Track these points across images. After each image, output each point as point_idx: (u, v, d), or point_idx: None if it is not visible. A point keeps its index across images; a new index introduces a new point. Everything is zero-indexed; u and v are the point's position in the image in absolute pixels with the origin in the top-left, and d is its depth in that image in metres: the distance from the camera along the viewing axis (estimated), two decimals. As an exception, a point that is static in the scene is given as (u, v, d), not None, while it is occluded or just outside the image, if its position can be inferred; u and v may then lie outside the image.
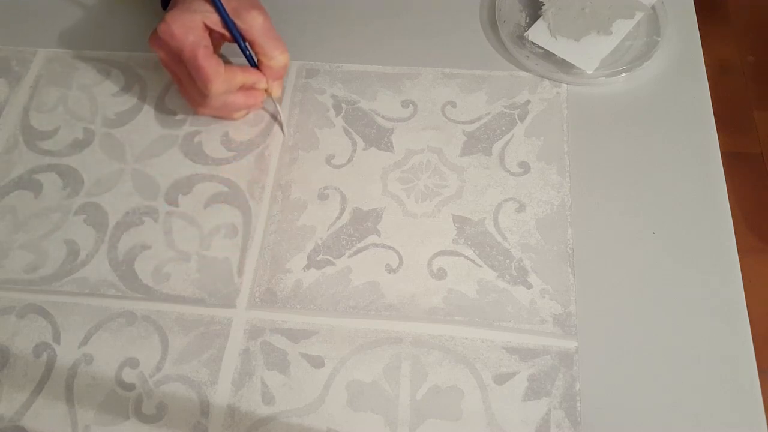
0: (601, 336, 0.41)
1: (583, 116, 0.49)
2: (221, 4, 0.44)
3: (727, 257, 0.43)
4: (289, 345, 0.42)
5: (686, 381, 0.40)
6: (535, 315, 0.42)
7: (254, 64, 0.48)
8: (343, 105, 0.51)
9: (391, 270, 0.44)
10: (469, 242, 0.45)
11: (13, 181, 0.49)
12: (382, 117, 0.50)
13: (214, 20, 0.44)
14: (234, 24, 0.45)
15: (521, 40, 0.52)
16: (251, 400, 0.40)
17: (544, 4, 0.53)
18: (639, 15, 0.52)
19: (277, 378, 0.41)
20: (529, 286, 0.43)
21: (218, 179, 0.48)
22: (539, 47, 0.51)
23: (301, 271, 0.44)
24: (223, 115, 0.50)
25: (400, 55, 0.53)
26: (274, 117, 0.51)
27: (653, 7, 0.53)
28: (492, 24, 0.54)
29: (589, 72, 0.50)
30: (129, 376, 0.41)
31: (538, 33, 0.52)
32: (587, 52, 0.51)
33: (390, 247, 0.45)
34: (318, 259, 0.45)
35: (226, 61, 0.46)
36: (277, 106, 0.50)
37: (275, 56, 0.46)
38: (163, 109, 0.52)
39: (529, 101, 0.50)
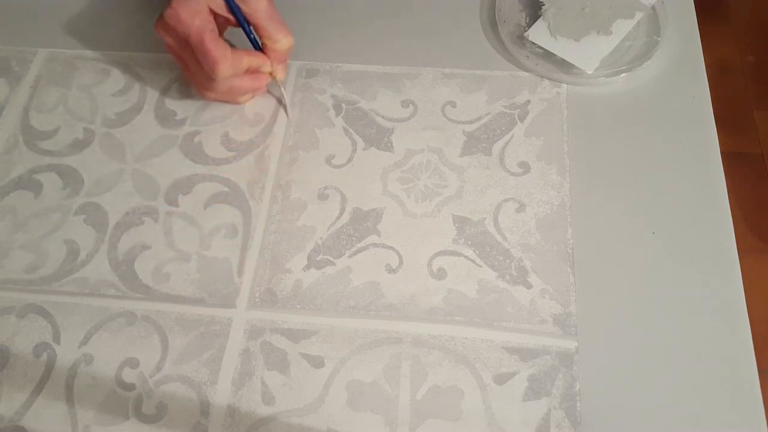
0: (601, 336, 0.41)
1: (583, 116, 0.49)
2: None
3: (727, 257, 0.43)
4: (289, 345, 0.42)
5: (686, 381, 0.40)
6: (535, 315, 0.42)
7: (258, 48, 0.48)
8: (343, 105, 0.51)
9: (391, 270, 0.44)
10: (469, 242, 0.45)
11: (13, 181, 0.49)
12: (382, 117, 0.50)
13: (218, 4, 0.45)
14: (238, 8, 0.45)
15: (521, 40, 0.52)
16: (251, 400, 0.40)
17: (544, 4, 0.53)
18: (639, 15, 0.52)
19: (277, 378, 0.41)
20: (529, 286, 0.43)
21: (218, 179, 0.48)
22: (539, 47, 0.51)
23: (301, 271, 0.44)
24: (229, 99, 0.50)
25: (400, 55, 0.53)
26: (279, 101, 0.51)
27: (653, 7, 0.53)
28: (492, 24, 0.54)
29: (589, 72, 0.50)
30: (129, 376, 0.41)
31: (538, 33, 0.52)
32: (587, 52, 0.51)
33: (390, 247, 0.45)
34: (318, 259, 0.45)
35: (230, 46, 0.46)
36: (282, 88, 0.50)
37: (279, 39, 0.47)
38: (163, 109, 0.52)
39: (529, 101, 0.50)
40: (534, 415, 0.39)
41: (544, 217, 0.45)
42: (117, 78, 0.53)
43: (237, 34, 0.47)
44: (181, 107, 0.51)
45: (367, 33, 0.55)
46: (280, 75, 0.49)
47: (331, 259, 0.45)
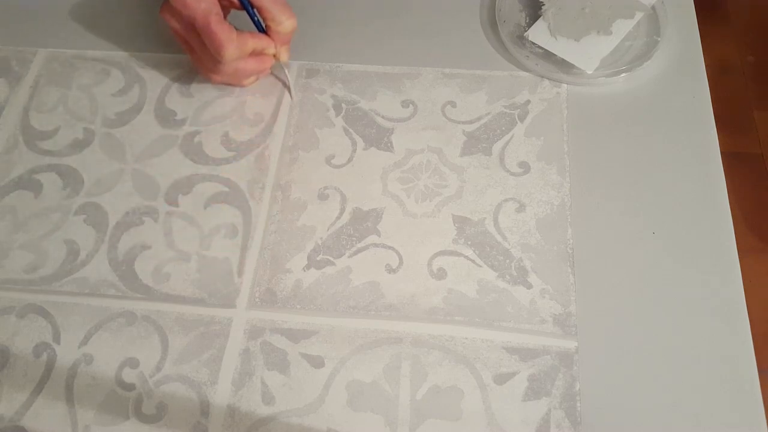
0: (601, 336, 0.41)
1: (583, 116, 0.49)
2: None
3: (727, 257, 0.43)
4: (289, 345, 0.42)
5: (686, 381, 0.40)
6: (535, 315, 0.42)
7: (262, 30, 0.48)
8: (343, 105, 0.51)
9: (391, 270, 0.44)
10: (469, 242, 0.45)
11: (13, 181, 0.49)
12: (382, 117, 0.50)
13: None
14: None
15: (521, 40, 0.52)
16: (251, 400, 0.40)
17: (544, 4, 0.53)
18: (639, 15, 0.52)
19: (277, 378, 0.41)
20: (529, 286, 0.43)
21: (218, 179, 0.48)
22: (539, 47, 0.51)
23: (301, 271, 0.44)
24: (234, 81, 0.51)
25: (400, 55, 0.53)
26: (283, 83, 0.52)
27: (653, 7, 0.53)
28: (492, 24, 0.54)
29: (589, 72, 0.50)
30: (129, 376, 0.41)
31: (538, 33, 0.52)
32: (587, 52, 0.51)
33: (390, 247, 0.45)
34: (318, 259, 0.45)
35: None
36: (285, 70, 0.51)
37: (283, 21, 0.47)
38: (163, 109, 0.52)
39: (529, 101, 0.50)
40: (534, 415, 0.39)
41: (544, 217, 0.45)
42: (117, 78, 0.53)
43: (240, 16, 0.48)
44: (181, 107, 0.51)
45: (367, 33, 0.55)
46: (284, 57, 0.50)
47: (331, 259, 0.45)
